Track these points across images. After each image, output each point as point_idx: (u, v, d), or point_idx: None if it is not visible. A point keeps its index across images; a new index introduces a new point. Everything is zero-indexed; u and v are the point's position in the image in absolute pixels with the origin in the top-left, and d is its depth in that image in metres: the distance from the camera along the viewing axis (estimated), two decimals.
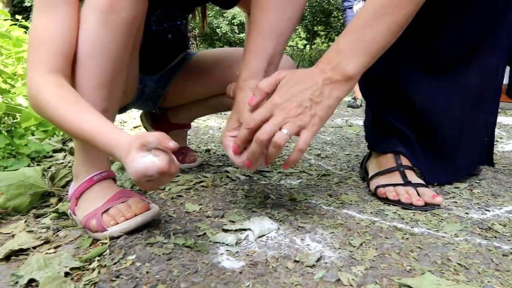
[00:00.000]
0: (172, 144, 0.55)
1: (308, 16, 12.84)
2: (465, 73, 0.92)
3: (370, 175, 0.98)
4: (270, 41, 0.76)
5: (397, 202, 0.86)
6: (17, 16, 3.06)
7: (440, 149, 0.99)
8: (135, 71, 0.90)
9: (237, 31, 15.33)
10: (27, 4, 14.10)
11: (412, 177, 0.93)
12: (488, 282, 0.56)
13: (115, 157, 0.60)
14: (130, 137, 0.58)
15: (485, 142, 1.02)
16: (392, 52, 0.73)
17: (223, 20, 14.69)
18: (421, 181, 0.92)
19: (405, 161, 0.96)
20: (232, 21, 14.79)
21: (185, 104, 1.17)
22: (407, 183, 0.90)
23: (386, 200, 0.88)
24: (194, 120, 2.23)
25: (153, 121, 1.25)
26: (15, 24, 2.70)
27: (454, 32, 0.88)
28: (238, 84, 0.77)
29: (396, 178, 0.92)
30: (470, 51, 0.91)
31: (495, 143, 1.64)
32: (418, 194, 0.86)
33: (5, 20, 2.56)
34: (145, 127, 1.28)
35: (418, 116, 0.97)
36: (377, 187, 0.91)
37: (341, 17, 12.75)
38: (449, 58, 0.92)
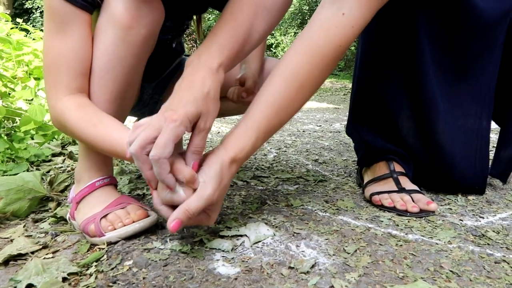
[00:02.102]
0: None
1: (308, 20, 12.88)
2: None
3: (365, 182, 0.99)
4: (242, 35, 0.71)
5: (392, 209, 0.87)
6: (18, 19, 3.07)
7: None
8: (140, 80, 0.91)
9: None
10: (28, 6, 14.13)
11: (406, 183, 0.93)
12: None
13: None
14: None
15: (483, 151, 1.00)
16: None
17: None
18: (415, 187, 0.93)
19: (398, 168, 0.97)
20: None
21: None
22: (401, 189, 0.91)
23: (381, 207, 0.89)
24: None
25: None
26: (16, 27, 2.72)
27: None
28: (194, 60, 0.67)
29: (390, 185, 0.93)
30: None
31: (491, 149, 1.65)
32: (413, 201, 0.87)
33: (6, 22, 2.57)
34: None
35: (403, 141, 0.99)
36: (372, 194, 0.92)
37: None
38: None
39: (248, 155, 0.66)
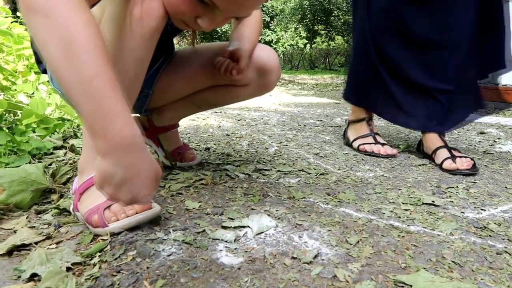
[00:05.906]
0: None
1: (309, 15, 12.82)
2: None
3: (352, 139, 1.53)
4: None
5: (371, 154, 1.42)
6: (18, 13, 3.06)
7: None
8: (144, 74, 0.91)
9: None
10: None
11: (380, 139, 1.48)
12: (482, 279, 0.57)
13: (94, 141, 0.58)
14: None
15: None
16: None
17: None
18: (385, 142, 1.47)
19: (375, 129, 1.53)
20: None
21: (168, 104, 1.16)
22: (377, 142, 1.46)
23: (365, 153, 1.43)
24: (195, 119, 2.24)
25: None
26: (16, 21, 2.71)
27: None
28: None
29: (369, 139, 1.48)
30: None
31: (492, 144, 1.66)
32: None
33: (6, 17, 2.56)
34: None
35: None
36: (359, 145, 1.48)
37: (341, 16, 12.72)
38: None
39: None
